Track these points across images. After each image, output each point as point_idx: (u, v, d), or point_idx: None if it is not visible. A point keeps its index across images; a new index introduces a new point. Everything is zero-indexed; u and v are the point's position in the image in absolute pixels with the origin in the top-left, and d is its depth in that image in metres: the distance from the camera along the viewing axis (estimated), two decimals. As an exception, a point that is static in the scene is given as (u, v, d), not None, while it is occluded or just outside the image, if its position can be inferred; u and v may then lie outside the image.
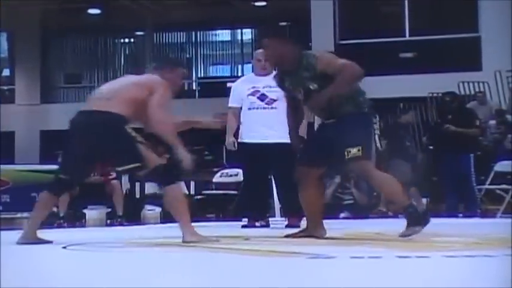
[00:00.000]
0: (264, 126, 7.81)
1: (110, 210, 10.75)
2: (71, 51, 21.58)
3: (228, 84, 14.18)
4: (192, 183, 13.05)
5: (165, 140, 5.35)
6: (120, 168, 5.62)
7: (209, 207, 12.70)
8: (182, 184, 5.37)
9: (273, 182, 8.46)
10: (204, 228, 7.04)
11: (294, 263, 3.86)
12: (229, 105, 8.11)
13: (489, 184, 10.69)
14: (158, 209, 11.37)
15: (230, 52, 21.85)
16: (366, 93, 5.55)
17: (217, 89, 18.56)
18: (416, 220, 5.18)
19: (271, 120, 7.80)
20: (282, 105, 7.90)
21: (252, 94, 7.91)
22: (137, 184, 11.55)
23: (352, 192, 11.45)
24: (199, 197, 12.90)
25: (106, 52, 21.90)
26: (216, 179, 11.79)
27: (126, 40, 22.57)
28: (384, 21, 17.46)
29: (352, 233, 6.44)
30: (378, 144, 5.99)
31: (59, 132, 18.73)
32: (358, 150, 5.29)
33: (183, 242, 5.19)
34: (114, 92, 5.50)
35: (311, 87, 5.43)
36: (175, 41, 21.95)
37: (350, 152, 5.29)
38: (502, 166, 10.98)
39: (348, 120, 5.40)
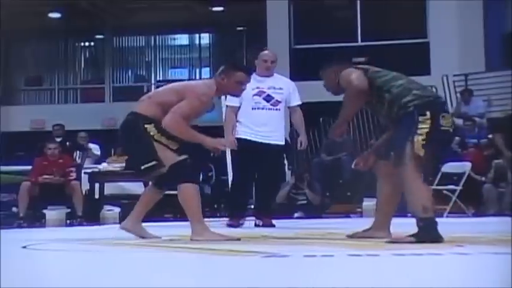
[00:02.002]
0: (267, 126, 7.85)
1: (69, 210, 10.78)
2: (32, 54, 21.50)
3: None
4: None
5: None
6: (142, 167, 5.55)
7: (167, 206, 12.74)
8: (195, 186, 5.47)
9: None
10: (162, 228, 7.14)
11: (249, 261, 3.91)
12: (229, 103, 8.01)
13: (437, 185, 10.82)
14: (117, 209, 11.28)
15: (188, 56, 21.94)
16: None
17: (176, 91, 18.58)
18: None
19: (274, 122, 7.90)
20: (283, 107, 7.95)
21: (258, 94, 7.89)
22: (96, 185, 11.59)
23: (306, 193, 11.73)
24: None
25: (66, 55, 21.88)
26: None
27: (86, 43, 22.55)
28: (337, 27, 17.71)
29: (306, 233, 6.57)
30: None
31: (20, 134, 18.81)
32: None
33: (190, 239, 5.30)
34: (150, 95, 5.81)
35: None
36: (135, 44, 22.05)
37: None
38: (449, 167, 11.25)
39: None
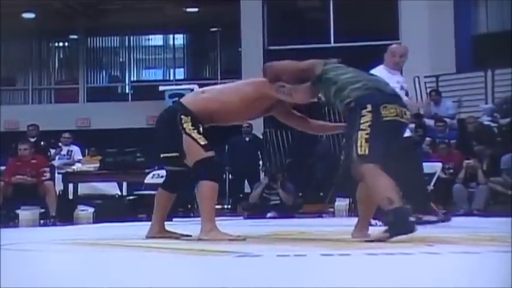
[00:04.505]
0: None
1: (43, 210, 10.75)
2: (5, 55, 21.44)
3: (160, 88, 14.38)
4: (125, 184, 13.14)
5: None
6: (162, 155, 5.52)
7: (140, 207, 12.76)
8: (215, 185, 5.35)
9: None
10: (135, 227, 7.13)
11: (223, 261, 3.92)
12: None
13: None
14: (91, 210, 11.35)
15: (162, 56, 22.01)
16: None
17: (150, 92, 18.39)
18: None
19: None
20: None
21: (401, 89, 7.32)
22: (70, 185, 11.65)
23: (279, 193, 11.81)
24: (131, 197, 12.93)
25: (40, 55, 21.92)
26: (148, 180, 11.89)
27: (60, 44, 22.57)
28: (310, 28, 17.86)
29: (279, 232, 6.57)
30: None
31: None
32: None
33: (198, 239, 5.22)
34: (203, 89, 5.75)
35: None
36: (109, 45, 22.10)
37: None
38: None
39: None
